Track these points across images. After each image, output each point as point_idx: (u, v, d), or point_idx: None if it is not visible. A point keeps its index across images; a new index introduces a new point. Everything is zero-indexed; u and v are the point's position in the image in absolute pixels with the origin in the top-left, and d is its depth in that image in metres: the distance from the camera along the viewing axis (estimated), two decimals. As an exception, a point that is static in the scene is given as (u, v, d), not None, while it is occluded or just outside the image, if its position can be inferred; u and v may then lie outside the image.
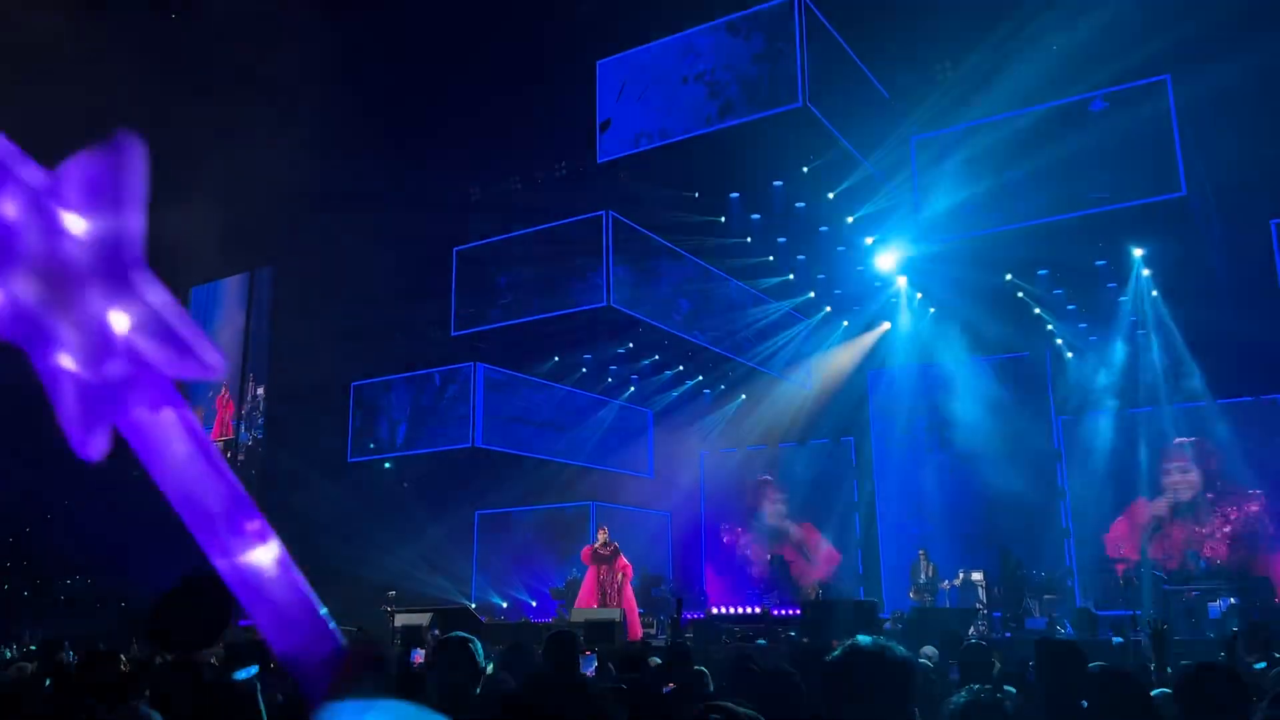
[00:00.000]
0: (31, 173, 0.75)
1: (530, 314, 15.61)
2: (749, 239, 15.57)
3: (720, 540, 20.48)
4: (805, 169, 13.59)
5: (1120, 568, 15.12)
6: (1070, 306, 15.50)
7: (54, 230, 0.74)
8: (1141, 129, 11.62)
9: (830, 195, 14.17)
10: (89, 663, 5.68)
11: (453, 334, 16.39)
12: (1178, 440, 15.95)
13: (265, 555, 0.82)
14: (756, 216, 15.19)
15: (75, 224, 0.74)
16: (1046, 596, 14.40)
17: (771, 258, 16.25)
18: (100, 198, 0.74)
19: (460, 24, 14.26)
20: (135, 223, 0.74)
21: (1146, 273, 13.85)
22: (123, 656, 7.22)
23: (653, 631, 14.65)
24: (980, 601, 14.66)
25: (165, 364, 0.76)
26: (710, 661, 8.53)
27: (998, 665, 5.36)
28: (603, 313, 14.80)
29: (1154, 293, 14.31)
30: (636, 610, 13.73)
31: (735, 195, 14.82)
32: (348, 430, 18.86)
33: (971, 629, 12.29)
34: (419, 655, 6.19)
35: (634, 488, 20.39)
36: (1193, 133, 11.92)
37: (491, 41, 14.63)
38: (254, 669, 3.24)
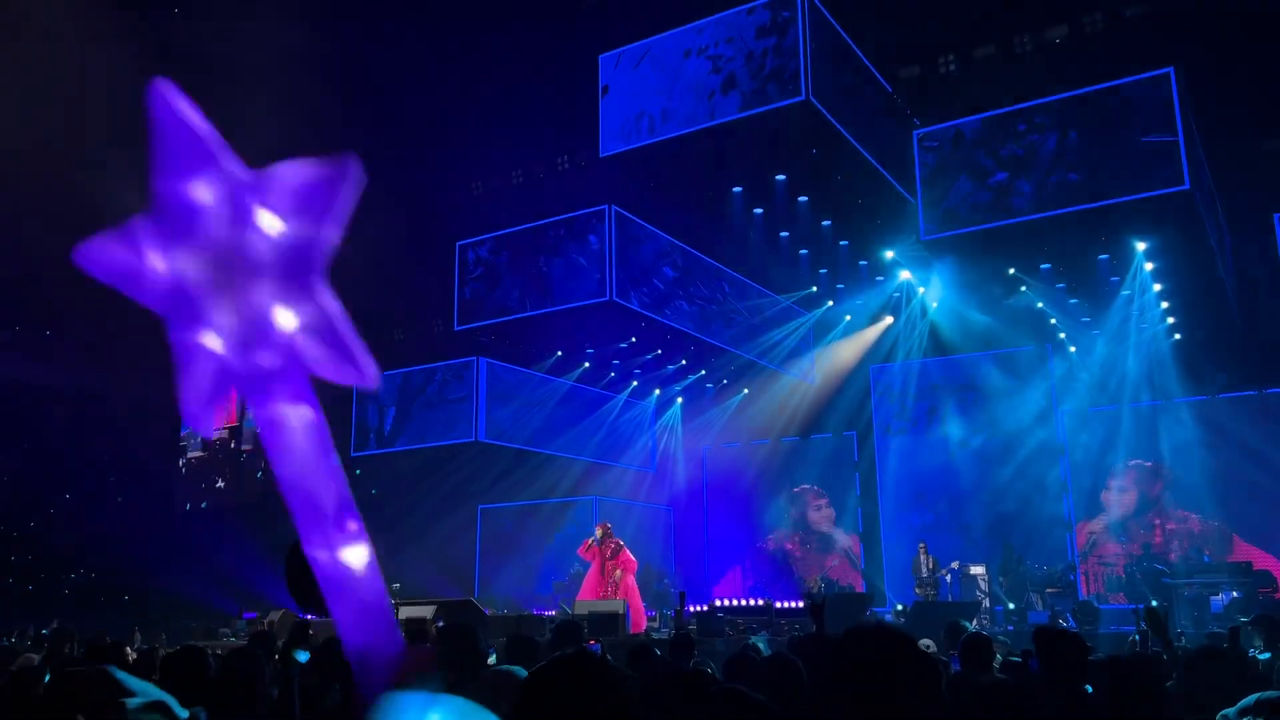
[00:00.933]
0: (233, 165, 0.78)
1: (532, 308, 15.61)
2: (751, 233, 15.56)
3: (722, 533, 20.51)
4: (808, 163, 13.56)
5: (1122, 562, 15.15)
6: (1073, 301, 15.49)
7: (243, 223, 0.77)
8: (1145, 122, 11.59)
9: (832, 189, 14.15)
10: (95, 653, 5.72)
11: (455, 328, 16.39)
12: (1131, 461, 16.18)
13: (358, 555, 0.87)
14: (759, 211, 15.17)
15: (270, 223, 0.77)
16: (1049, 590, 14.42)
17: (774, 252, 16.24)
18: (303, 205, 0.77)
19: (461, 18, 14.25)
20: (329, 235, 0.77)
21: (1149, 266, 13.83)
22: (129, 648, 7.26)
23: (656, 625, 14.69)
24: (982, 594, 14.68)
25: (322, 366, 0.79)
26: (714, 654, 8.56)
27: (999, 656, 5.39)
28: (605, 307, 14.80)
29: (1156, 286, 14.30)
30: (640, 603, 13.74)
31: (738, 190, 14.81)
32: (351, 424, 18.89)
33: (974, 622, 12.29)
34: (423, 646, 6.22)
35: (636, 482, 20.42)
36: (1196, 125, 11.91)
37: (494, 35, 14.63)
38: (305, 655, 3.28)
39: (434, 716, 1.03)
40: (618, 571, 13.88)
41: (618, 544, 14.06)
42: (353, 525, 0.86)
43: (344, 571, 0.86)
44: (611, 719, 1.47)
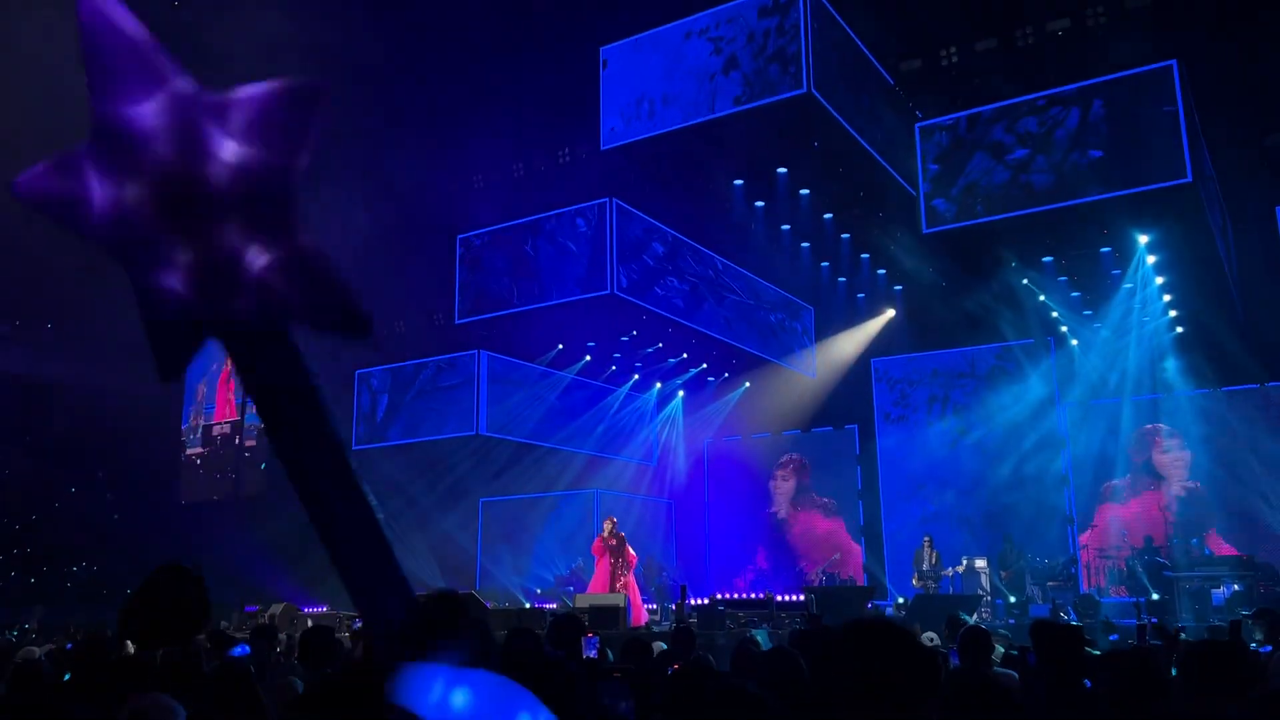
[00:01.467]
0: (182, 82, 0.71)
1: (533, 302, 15.59)
2: (753, 226, 15.55)
3: (723, 526, 20.53)
4: (809, 155, 13.54)
5: (1123, 555, 15.15)
6: (1075, 294, 15.47)
7: (200, 148, 0.68)
8: (1148, 115, 11.56)
9: (835, 183, 14.14)
10: (90, 647, 5.71)
11: (456, 321, 16.39)
12: (1167, 427, 16.22)
13: None
14: (760, 204, 15.16)
15: (229, 150, 0.69)
16: (1050, 583, 14.42)
17: (775, 245, 16.23)
18: (270, 130, 0.69)
19: (463, 10, 14.22)
20: (300, 164, 0.70)
21: (1152, 260, 13.81)
22: (129, 644, 7.26)
23: (657, 618, 14.72)
24: (983, 588, 14.69)
25: (303, 312, 0.71)
26: (714, 647, 8.57)
27: (999, 649, 5.39)
28: (606, 300, 14.79)
29: (1159, 279, 14.28)
30: (639, 596, 13.77)
31: (739, 183, 14.79)
32: (352, 417, 18.90)
33: (975, 616, 12.30)
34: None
35: (638, 475, 20.44)
36: (1199, 119, 11.88)
37: (495, 28, 14.60)
38: (246, 648, 3.25)
39: (458, 697, 0.98)
40: (623, 565, 13.95)
41: (621, 538, 14.13)
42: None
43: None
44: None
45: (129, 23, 0.70)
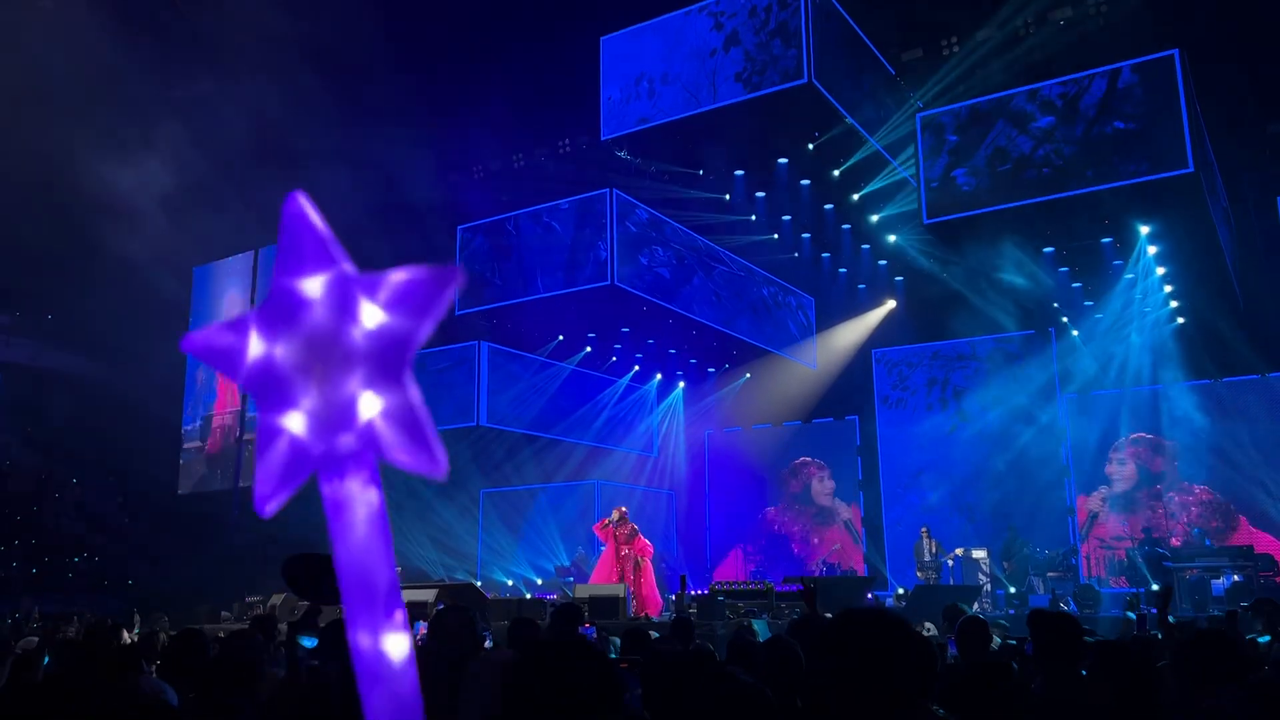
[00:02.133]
0: (348, 265, 0.87)
1: (533, 293, 15.58)
2: (753, 217, 15.53)
3: (723, 516, 20.56)
4: (810, 146, 13.52)
5: (1124, 545, 15.16)
6: (1076, 285, 15.44)
7: (345, 315, 0.84)
8: (1149, 105, 11.52)
9: (835, 173, 14.11)
10: (93, 636, 5.74)
11: (456, 312, 16.38)
12: (1132, 436, 16.19)
13: (398, 645, 0.90)
14: (761, 195, 15.14)
15: (372, 316, 0.83)
16: (1050, 574, 14.43)
17: (776, 235, 16.22)
18: (404, 302, 0.84)
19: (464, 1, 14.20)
20: (423, 333, 0.84)
21: (1153, 250, 13.78)
22: (125, 631, 7.29)
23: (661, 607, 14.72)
24: (984, 574, 14.71)
25: (397, 452, 0.84)
26: (713, 637, 8.59)
27: (997, 639, 5.39)
28: (606, 291, 14.77)
29: (1160, 270, 14.25)
30: (654, 589, 13.76)
31: (739, 173, 14.77)
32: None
33: (975, 606, 12.31)
34: (422, 628, 6.24)
35: (638, 466, 20.46)
36: (1200, 108, 11.84)
37: (495, 18, 14.56)
38: (312, 640, 3.30)
39: None
40: (635, 557, 13.96)
41: (633, 529, 14.13)
42: (399, 615, 0.90)
43: (382, 659, 0.90)
44: (597, 703, 1.47)
45: (319, 221, 0.86)
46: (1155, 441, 16.18)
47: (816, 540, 19.34)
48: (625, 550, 13.89)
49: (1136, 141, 11.53)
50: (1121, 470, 16.36)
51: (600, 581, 13.61)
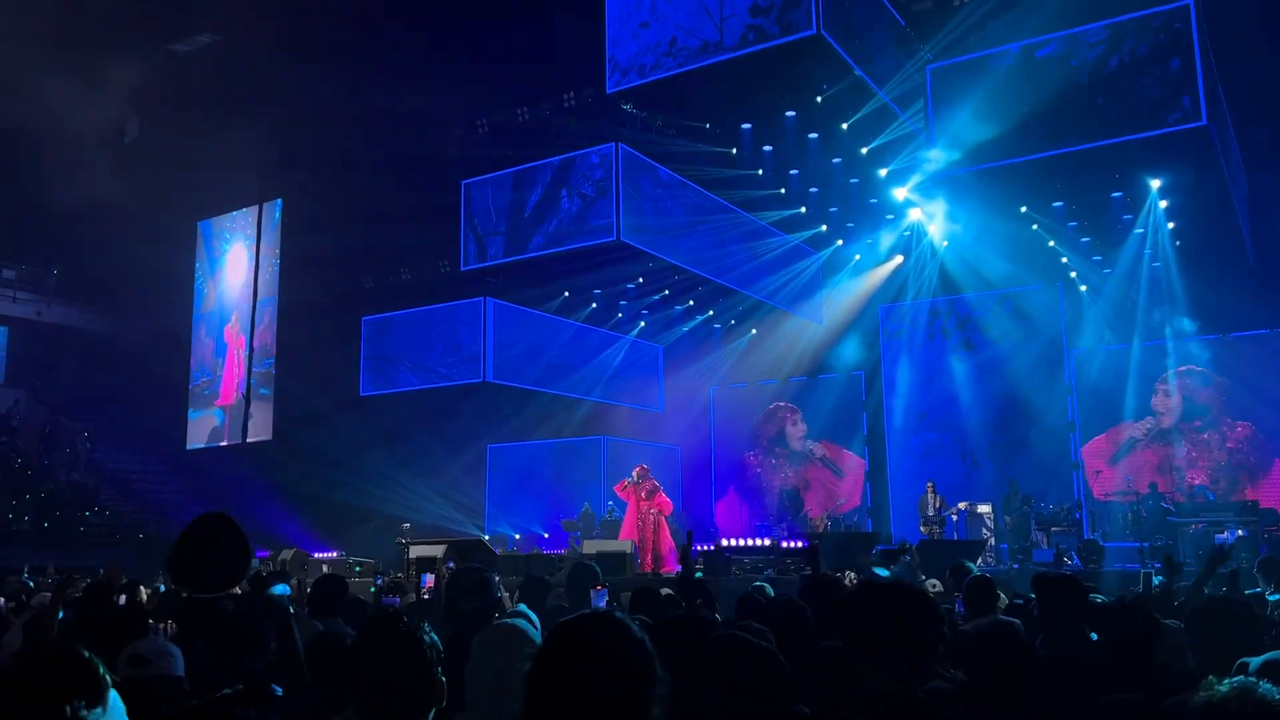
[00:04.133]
0: None
1: (539, 249, 15.50)
2: (760, 171, 15.38)
3: (729, 473, 20.65)
4: (819, 99, 13.35)
5: (1127, 501, 15.19)
6: (1085, 239, 15.33)
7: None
8: (1162, 56, 11.34)
9: (844, 126, 13.94)
10: (98, 593, 5.76)
11: (462, 268, 16.33)
12: (1176, 369, 16.13)
13: None
14: (768, 149, 14.98)
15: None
16: (1054, 529, 14.48)
17: (783, 190, 16.07)
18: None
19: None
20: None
21: (1164, 204, 13.65)
22: (143, 589, 7.34)
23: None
24: (988, 529, 14.77)
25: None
26: (720, 592, 8.65)
27: (1004, 599, 5.41)
28: (612, 247, 14.69)
29: (1170, 225, 14.13)
30: (671, 547, 13.89)
31: (747, 126, 14.60)
32: (359, 365, 18.95)
33: (978, 561, 12.38)
34: (429, 580, 6.30)
35: (644, 422, 20.50)
36: (1214, 59, 11.65)
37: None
38: (286, 588, 3.28)
39: None
40: (654, 512, 14.10)
41: (654, 485, 14.30)
42: None
43: None
44: (630, 684, 1.41)
45: None
46: (1204, 374, 16.08)
47: (789, 478, 19.57)
48: (645, 506, 14.05)
49: (1149, 94, 11.37)
50: (1167, 403, 16.30)
51: (626, 539, 13.83)
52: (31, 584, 8.74)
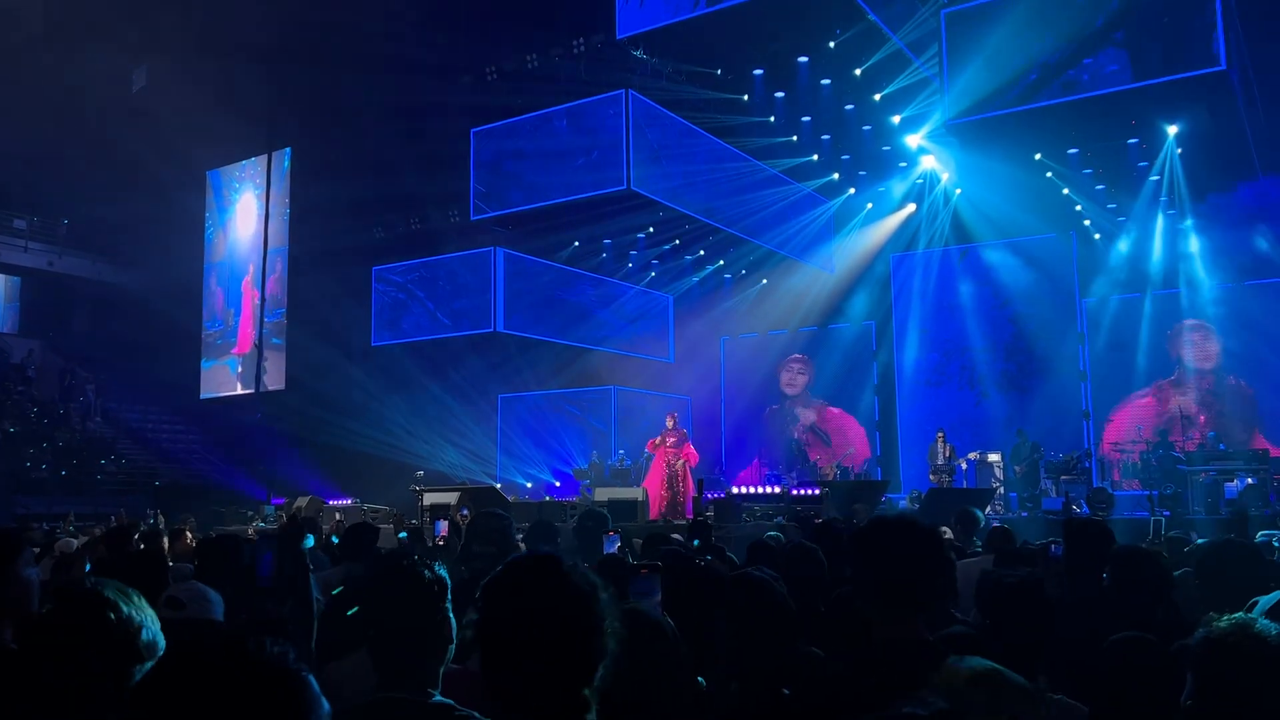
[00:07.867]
0: None
1: (549, 197, 15.42)
2: (772, 118, 15.22)
3: (740, 423, 20.72)
4: (832, 44, 13.18)
5: (1137, 449, 15.22)
6: (1099, 187, 15.19)
7: None
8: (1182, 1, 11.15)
9: (857, 72, 13.78)
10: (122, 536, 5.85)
11: (472, 218, 16.27)
12: (1189, 318, 16.07)
13: None
14: (780, 95, 14.82)
15: None
16: (1064, 477, 14.53)
17: (795, 138, 15.92)
18: None
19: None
20: None
21: (1180, 151, 13.49)
22: (189, 532, 7.42)
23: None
24: (996, 479, 14.83)
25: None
26: (730, 539, 8.74)
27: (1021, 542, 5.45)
28: (622, 196, 14.60)
29: (1185, 172, 13.97)
30: (692, 495, 14.07)
31: (758, 73, 14.44)
32: (370, 315, 19.00)
33: (987, 509, 12.45)
34: (443, 528, 6.39)
35: (654, 372, 20.54)
36: (1235, 4, 11.44)
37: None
38: (310, 540, 3.31)
39: None
40: (681, 461, 14.26)
41: (682, 434, 14.57)
42: None
43: None
44: (573, 626, 1.42)
45: None
46: (1218, 323, 16.03)
47: (828, 448, 19.56)
48: (673, 455, 14.28)
49: (1167, 39, 11.19)
50: (1180, 351, 16.30)
51: (651, 489, 14.05)
52: (57, 531, 8.88)
